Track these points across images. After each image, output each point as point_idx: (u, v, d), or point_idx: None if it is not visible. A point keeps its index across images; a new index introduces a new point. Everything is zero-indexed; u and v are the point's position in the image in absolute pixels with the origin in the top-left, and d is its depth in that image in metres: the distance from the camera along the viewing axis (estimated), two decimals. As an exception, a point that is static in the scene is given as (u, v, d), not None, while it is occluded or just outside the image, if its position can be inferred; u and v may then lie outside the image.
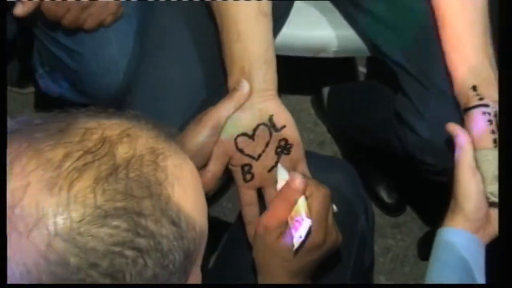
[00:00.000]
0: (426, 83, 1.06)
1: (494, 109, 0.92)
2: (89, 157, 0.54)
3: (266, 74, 0.93)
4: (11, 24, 1.23)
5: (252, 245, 0.88)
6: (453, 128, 0.92)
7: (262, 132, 0.91)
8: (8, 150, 0.54)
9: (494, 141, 0.91)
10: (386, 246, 1.52)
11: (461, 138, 0.90)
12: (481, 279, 0.87)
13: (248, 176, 0.92)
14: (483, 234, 0.89)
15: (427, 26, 1.05)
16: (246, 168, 0.92)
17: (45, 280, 0.52)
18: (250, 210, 0.92)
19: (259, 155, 0.92)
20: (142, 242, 0.54)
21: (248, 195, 0.92)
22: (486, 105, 0.93)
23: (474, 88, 0.95)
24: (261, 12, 0.95)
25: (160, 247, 0.55)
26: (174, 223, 0.55)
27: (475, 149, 0.90)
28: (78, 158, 0.53)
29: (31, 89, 1.62)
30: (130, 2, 1.10)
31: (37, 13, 1.04)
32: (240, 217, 0.96)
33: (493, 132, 0.91)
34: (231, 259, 1.00)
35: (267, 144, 0.92)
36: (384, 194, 1.55)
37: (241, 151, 0.91)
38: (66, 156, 0.53)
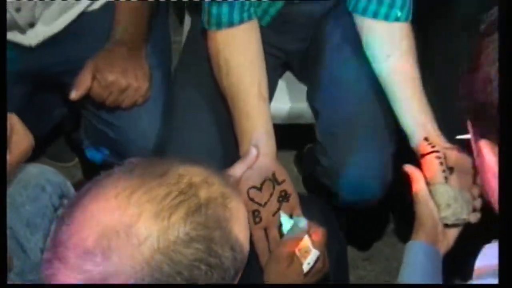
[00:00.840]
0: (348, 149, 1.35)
1: (443, 154, 1.20)
2: (182, 197, 0.74)
3: (268, 142, 1.23)
4: (62, 107, 1.53)
5: (263, 269, 1.13)
6: (408, 168, 1.21)
7: (267, 185, 1.20)
8: (126, 184, 0.75)
9: (445, 178, 1.18)
10: (359, 277, 1.78)
11: (416, 174, 1.19)
12: (438, 281, 1.11)
13: (257, 219, 1.19)
14: (441, 246, 1.16)
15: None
16: (256, 213, 1.19)
17: (147, 280, 0.71)
18: (260, 244, 1.18)
19: (265, 203, 1.19)
20: (212, 260, 0.74)
21: (257, 234, 1.18)
22: (438, 151, 1.20)
23: (426, 139, 1.23)
24: (261, 97, 1.26)
25: (223, 265, 0.75)
26: (233, 249, 0.76)
27: (429, 184, 1.18)
28: (175, 197, 0.74)
29: (74, 162, 1.85)
30: (156, 86, 1.39)
31: (86, 97, 1.34)
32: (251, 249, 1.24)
33: (444, 171, 1.19)
34: (245, 280, 1.30)
35: (271, 195, 1.20)
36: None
37: (252, 200, 1.18)
38: (167, 194, 0.74)
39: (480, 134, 0.85)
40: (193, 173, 0.77)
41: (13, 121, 1.05)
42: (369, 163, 1.33)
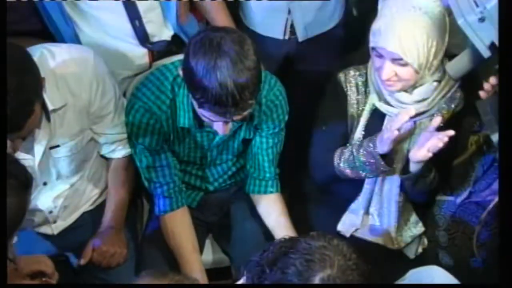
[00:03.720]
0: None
1: None
2: (174, 281, 1.47)
3: (202, 277, 2.12)
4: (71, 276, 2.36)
5: None
6: None
7: None
8: (148, 278, 1.48)
9: None
10: None
11: None
12: None
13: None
14: None
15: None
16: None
17: None
18: None
19: None
20: None
21: None
22: None
23: None
24: (195, 250, 2.17)
25: None
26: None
27: None
28: (170, 280, 1.47)
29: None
30: (131, 251, 2.26)
31: (88, 263, 2.20)
32: None
33: None
34: None
35: None
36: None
37: None
38: (169, 280, 1.48)
39: None
40: (178, 274, 1.57)
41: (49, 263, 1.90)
42: None
